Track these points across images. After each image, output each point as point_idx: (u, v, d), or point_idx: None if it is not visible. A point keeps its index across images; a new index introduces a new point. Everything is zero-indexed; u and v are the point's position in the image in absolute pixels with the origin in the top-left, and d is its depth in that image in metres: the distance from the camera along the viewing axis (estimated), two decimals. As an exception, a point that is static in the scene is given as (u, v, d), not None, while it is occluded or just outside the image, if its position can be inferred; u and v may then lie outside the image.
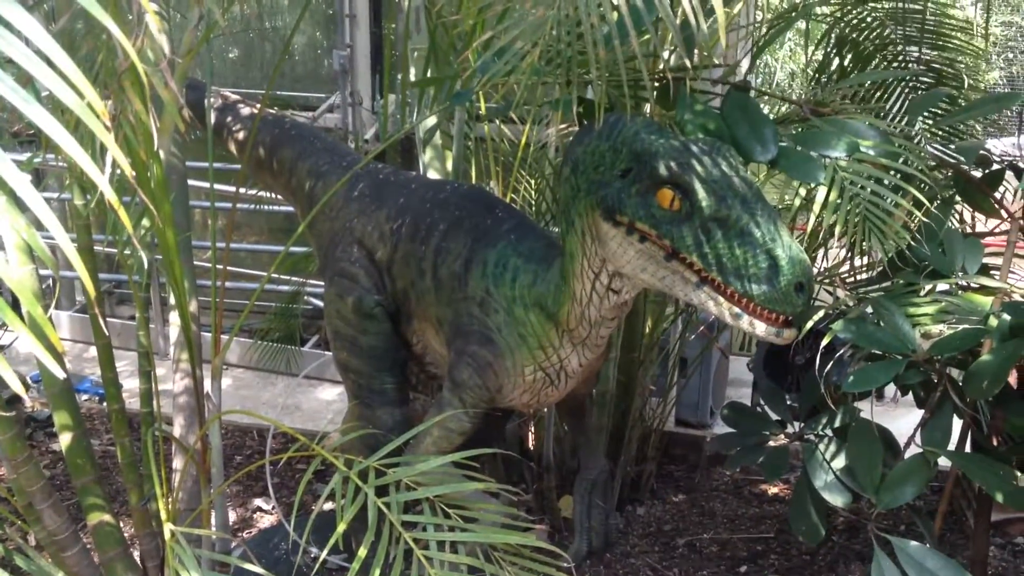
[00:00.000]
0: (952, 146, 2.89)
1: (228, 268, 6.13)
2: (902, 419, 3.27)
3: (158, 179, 2.30)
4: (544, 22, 1.93)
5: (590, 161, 2.32)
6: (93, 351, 5.85)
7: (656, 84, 2.64)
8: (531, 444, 4.03)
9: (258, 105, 3.51)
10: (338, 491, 2.16)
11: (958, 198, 2.88)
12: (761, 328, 2.11)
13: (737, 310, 2.12)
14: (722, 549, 3.80)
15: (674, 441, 4.56)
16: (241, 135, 3.45)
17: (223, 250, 2.90)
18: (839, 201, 2.31)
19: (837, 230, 2.32)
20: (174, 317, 2.78)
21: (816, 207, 2.35)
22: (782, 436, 3.25)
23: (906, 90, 3.30)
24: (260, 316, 5.63)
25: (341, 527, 2.02)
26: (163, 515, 2.14)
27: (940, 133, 3.15)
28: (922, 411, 2.70)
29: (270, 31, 6.59)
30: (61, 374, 1.07)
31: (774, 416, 3.31)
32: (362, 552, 2.03)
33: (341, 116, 5.72)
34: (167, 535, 2.08)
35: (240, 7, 6.70)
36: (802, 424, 3.16)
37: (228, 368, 5.82)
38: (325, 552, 2.10)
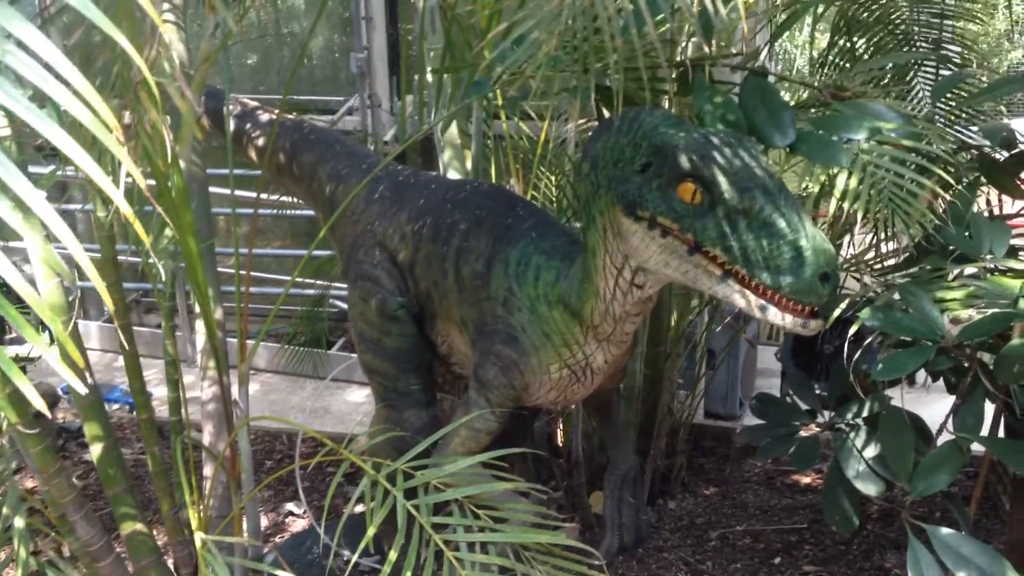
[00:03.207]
0: (975, 128, 2.86)
1: (253, 274, 6.15)
2: (934, 405, 3.23)
3: (178, 188, 2.31)
4: (560, 12, 1.92)
5: (610, 156, 2.30)
6: (123, 360, 5.93)
7: (675, 72, 2.62)
8: (560, 440, 4.03)
9: (277, 111, 3.52)
10: (367, 494, 2.16)
11: (983, 180, 2.84)
12: (788, 320, 2.08)
13: (763, 302, 2.09)
14: (755, 541, 3.78)
15: (704, 433, 4.54)
16: (261, 141, 3.46)
17: (247, 256, 2.91)
18: (861, 186, 2.29)
19: (859, 215, 2.30)
20: (200, 325, 2.79)
21: (837, 192, 2.32)
22: (812, 426, 3.23)
23: (926, 73, 3.27)
24: (287, 320, 5.66)
25: (371, 531, 2.02)
26: (194, 523, 2.15)
27: (963, 115, 3.11)
28: (954, 397, 2.68)
29: (287, 36, 6.62)
30: (83, 389, 1.07)
31: (803, 406, 3.28)
32: (393, 555, 2.04)
33: (360, 119, 5.74)
34: (198, 543, 2.09)
35: (257, 13, 6.73)
36: (832, 413, 3.13)
37: (256, 373, 5.85)
38: (356, 555, 2.10)
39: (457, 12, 2.92)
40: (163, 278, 2.93)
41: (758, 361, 5.08)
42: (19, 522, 2.07)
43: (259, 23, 6.59)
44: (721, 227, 2.10)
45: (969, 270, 2.62)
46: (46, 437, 2.46)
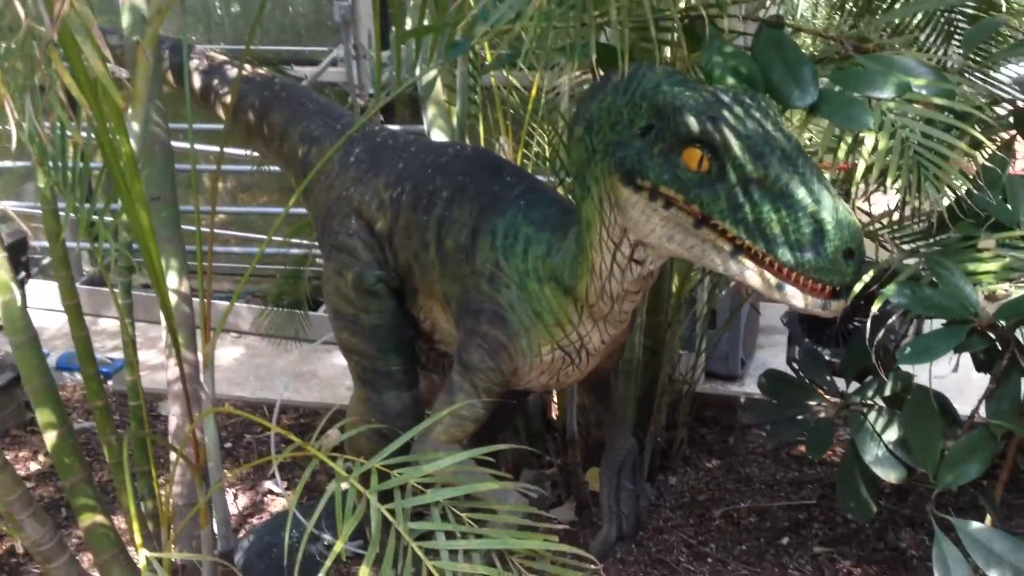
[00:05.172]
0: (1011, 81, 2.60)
1: (236, 233, 5.88)
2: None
3: (126, 156, 2.06)
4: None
5: (606, 119, 2.04)
6: (103, 324, 5.68)
7: (682, 23, 2.36)
8: (555, 415, 3.80)
9: (245, 66, 3.24)
10: (338, 498, 1.94)
11: (1020, 139, 2.58)
12: (808, 300, 1.85)
13: (779, 281, 1.85)
14: (761, 519, 3.58)
15: (706, 403, 4.31)
16: (229, 99, 3.20)
17: (228, 214, 2.66)
18: (889, 150, 2.04)
19: (889, 180, 2.06)
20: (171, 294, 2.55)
21: (864, 154, 2.08)
22: (826, 404, 3.00)
23: (946, 24, 3.01)
24: (272, 280, 5.41)
25: (339, 546, 1.80)
26: (137, 538, 1.93)
27: (994, 69, 2.84)
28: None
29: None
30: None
31: (816, 385, 3.05)
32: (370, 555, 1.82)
33: (345, 71, 5.44)
34: (141, 563, 1.86)
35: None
36: (849, 390, 2.91)
37: (241, 336, 5.63)
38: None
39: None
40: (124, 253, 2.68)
41: (763, 318, 4.88)
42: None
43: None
44: (732, 197, 1.85)
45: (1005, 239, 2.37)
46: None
